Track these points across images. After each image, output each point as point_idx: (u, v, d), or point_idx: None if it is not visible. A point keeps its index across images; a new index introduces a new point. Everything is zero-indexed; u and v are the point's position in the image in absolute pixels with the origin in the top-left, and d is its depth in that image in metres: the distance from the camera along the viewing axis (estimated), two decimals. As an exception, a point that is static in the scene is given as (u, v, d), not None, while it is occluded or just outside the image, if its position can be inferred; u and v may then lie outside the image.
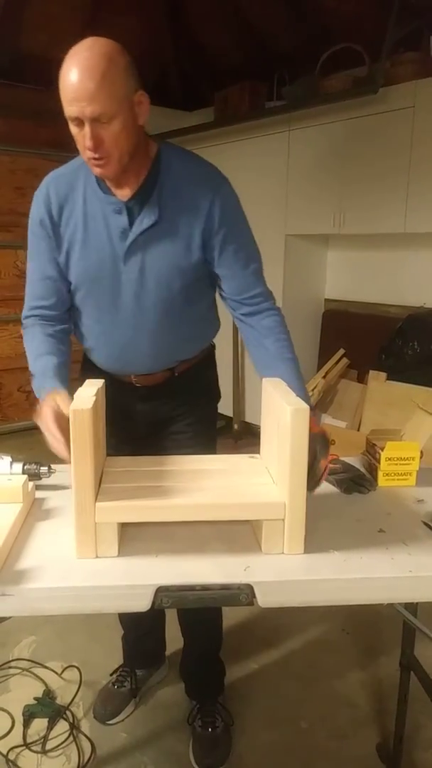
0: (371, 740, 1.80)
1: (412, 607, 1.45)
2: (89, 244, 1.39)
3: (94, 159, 1.25)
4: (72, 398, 1.26)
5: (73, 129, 1.24)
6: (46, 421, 1.22)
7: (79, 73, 1.17)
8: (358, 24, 3.45)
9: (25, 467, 1.29)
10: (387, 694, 1.94)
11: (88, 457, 1.00)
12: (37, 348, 1.49)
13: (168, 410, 1.56)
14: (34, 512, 1.21)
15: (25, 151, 4.23)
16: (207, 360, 1.63)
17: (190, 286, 1.42)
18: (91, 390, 1.12)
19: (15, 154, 4.22)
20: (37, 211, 1.44)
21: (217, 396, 1.70)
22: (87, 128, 1.21)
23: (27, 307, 1.56)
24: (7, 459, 1.28)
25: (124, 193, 1.35)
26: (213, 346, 1.65)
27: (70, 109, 1.20)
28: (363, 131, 3.45)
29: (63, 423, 1.17)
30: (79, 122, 1.21)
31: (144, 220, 1.34)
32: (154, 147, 1.37)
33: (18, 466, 1.28)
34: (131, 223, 1.35)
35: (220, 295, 1.50)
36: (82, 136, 1.23)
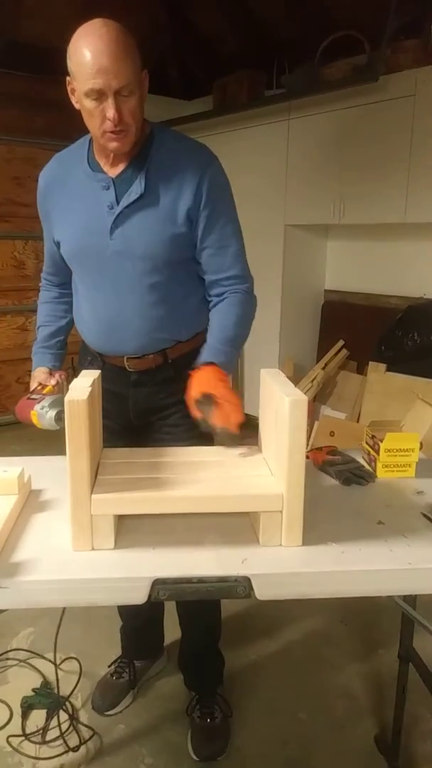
0: (369, 732, 1.80)
1: (411, 599, 1.44)
2: (78, 220, 1.44)
3: (114, 132, 1.30)
4: (53, 362, 1.61)
5: (90, 104, 1.28)
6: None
7: (104, 47, 1.22)
8: (358, 11, 3.42)
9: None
10: (385, 685, 1.94)
11: (83, 448, 0.99)
12: (40, 316, 1.69)
13: (161, 398, 1.55)
14: (30, 504, 1.20)
15: (22, 140, 4.19)
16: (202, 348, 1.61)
17: (176, 262, 1.44)
18: (86, 381, 1.11)
19: (11, 143, 4.18)
20: (39, 187, 1.54)
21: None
22: (111, 100, 1.26)
23: (42, 274, 1.72)
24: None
25: (115, 170, 1.41)
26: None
27: (94, 82, 1.24)
28: (363, 120, 3.43)
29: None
30: (100, 96, 1.26)
31: (131, 194, 1.38)
32: (148, 126, 1.42)
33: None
34: (118, 198, 1.40)
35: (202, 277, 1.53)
36: (100, 110, 1.28)
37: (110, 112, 1.26)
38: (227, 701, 1.83)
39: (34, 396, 1.44)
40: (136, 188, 1.38)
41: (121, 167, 1.41)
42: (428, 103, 3.12)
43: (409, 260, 3.73)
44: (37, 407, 1.39)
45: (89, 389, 1.04)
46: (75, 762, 1.68)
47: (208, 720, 1.75)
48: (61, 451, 1.16)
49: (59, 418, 1.37)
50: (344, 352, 3.88)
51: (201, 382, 1.31)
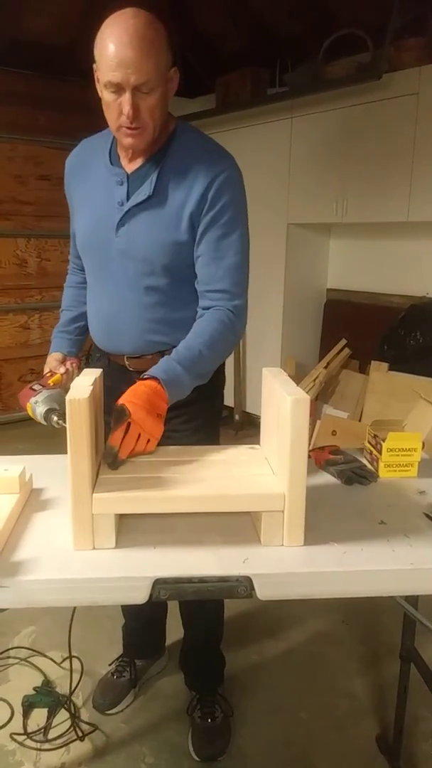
0: (371, 732, 1.79)
1: (413, 600, 1.43)
2: (92, 213, 1.45)
3: (128, 128, 1.27)
4: (70, 347, 1.61)
5: (108, 96, 1.26)
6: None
7: (127, 40, 1.19)
8: (362, 9, 3.41)
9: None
10: (387, 685, 1.94)
11: (85, 447, 0.99)
12: (65, 299, 1.70)
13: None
14: (31, 503, 1.20)
15: (24, 138, 4.19)
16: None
17: (175, 267, 1.39)
18: (88, 379, 1.10)
19: (14, 141, 4.18)
20: (65, 170, 1.54)
21: (218, 391, 1.63)
22: (127, 96, 1.23)
23: (69, 257, 1.71)
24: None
25: (132, 166, 1.39)
26: None
27: (112, 75, 1.21)
28: (366, 118, 3.41)
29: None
30: (118, 89, 1.23)
31: (140, 193, 1.37)
32: (173, 123, 1.40)
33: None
34: (129, 195, 1.39)
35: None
36: (117, 104, 1.25)
37: (125, 108, 1.24)
38: (228, 701, 1.83)
39: (35, 387, 1.42)
40: (146, 188, 1.36)
41: (137, 163, 1.39)
42: (431, 102, 3.11)
43: (412, 259, 3.72)
44: (32, 400, 1.38)
45: (90, 388, 1.04)
46: (76, 760, 1.68)
47: (209, 720, 1.75)
48: (62, 449, 1.15)
49: (47, 417, 1.35)
50: (346, 351, 3.87)
51: (134, 393, 1.18)
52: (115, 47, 1.19)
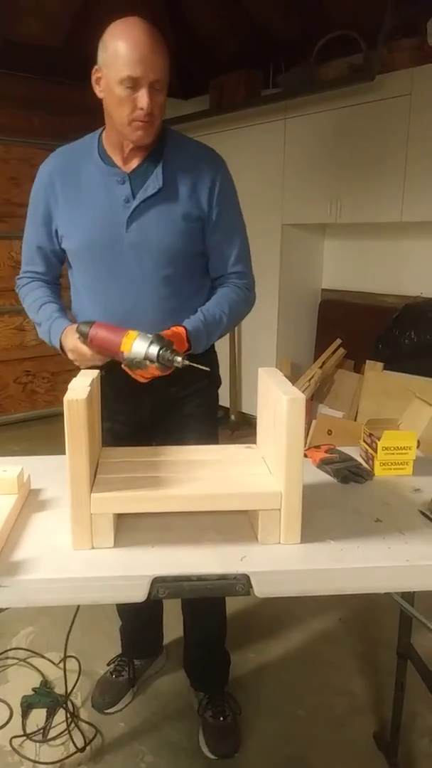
0: (368, 728, 1.80)
1: (409, 596, 1.45)
2: (90, 213, 1.46)
3: (142, 121, 1.35)
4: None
5: (123, 92, 1.32)
6: (79, 348, 1.39)
7: (146, 39, 1.30)
8: (355, 11, 3.42)
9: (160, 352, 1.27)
10: (384, 682, 1.95)
11: (83, 447, 1.00)
12: (39, 298, 1.58)
13: (174, 391, 1.56)
14: (29, 503, 1.21)
15: (19, 140, 4.18)
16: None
17: (190, 255, 1.49)
18: (85, 380, 1.11)
19: (8, 143, 4.18)
20: (40, 178, 1.54)
21: (218, 381, 1.71)
22: (145, 90, 1.31)
23: (22, 270, 1.65)
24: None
25: (130, 166, 1.45)
26: None
27: (133, 70, 1.29)
28: (359, 119, 3.43)
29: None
30: (135, 85, 1.31)
31: (148, 188, 1.43)
32: (161, 125, 1.47)
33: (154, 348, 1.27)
34: (133, 192, 1.43)
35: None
36: (132, 99, 1.33)
37: (143, 101, 1.32)
38: (235, 698, 1.83)
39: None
40: (154, 183, 1.43)
41: (135, 162, 1.45)
42: (424, 102, 3.13)
43: (406, 259, 3.74)
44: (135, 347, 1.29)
45: (88, 389, 1.05)
46: (75, 761, 1.68)
47: (221, 718, 1.76)
48: (59, 450, 1.17)
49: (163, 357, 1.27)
50: (341, 350, 3.89)
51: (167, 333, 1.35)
52: (135, 45, 1.29)
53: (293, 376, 3.82)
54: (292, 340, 4.13)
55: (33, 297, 1.59)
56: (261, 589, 0.98)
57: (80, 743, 1.72)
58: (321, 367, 3.78)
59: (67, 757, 1.68)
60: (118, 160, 1.46)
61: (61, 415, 1.00)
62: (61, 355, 1.54)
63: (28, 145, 4.18)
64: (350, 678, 2.01)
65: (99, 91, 1.39)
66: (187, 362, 1.26)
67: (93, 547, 1.03)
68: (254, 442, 1.29)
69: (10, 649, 2.08)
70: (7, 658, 2.05)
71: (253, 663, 2.06)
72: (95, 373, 1.20)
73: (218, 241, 1.51)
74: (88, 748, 1.72)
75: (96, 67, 1.37)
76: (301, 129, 3.74)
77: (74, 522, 1.02)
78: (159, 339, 1.27)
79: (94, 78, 1.39)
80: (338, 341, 3.90)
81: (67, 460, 1.00)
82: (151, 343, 1.26)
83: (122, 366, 1.33)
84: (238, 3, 3.85)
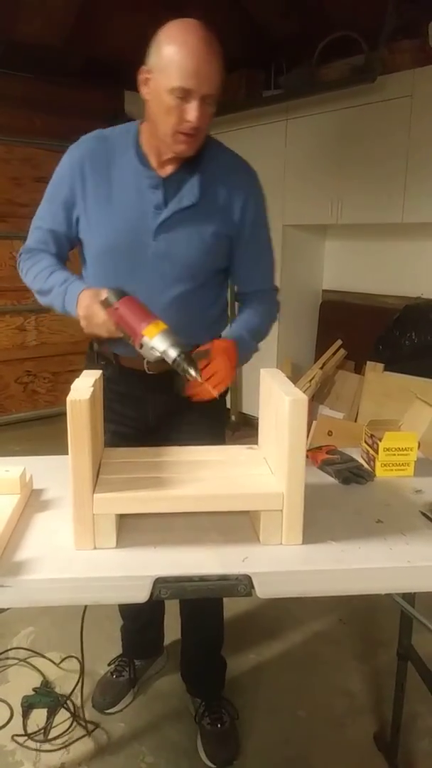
0: (368, 729, 1.81)
1: (410, 597, 1.45)
2: (117, 214, 1.40)
3: (187, 134, 1.29)
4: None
5: (173, 101, 1.26)
6: (94, 311, 1.30)
7: (204, 50, 1.24)
8: (356, 12, 3.43)
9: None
10: (384, 683, 1.95)
11: (85, 448, 1.00)
12: (50, 266, 1.47)
13: (181, 399, 1.48)
14: (32, 503, 1.21)
15: (21, 140, 4.19)
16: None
17: (210, 270, 1.47)
18: (88, 381, 1.11)
19: (10, 143, 4.18)
20: (70, 160, 1.45)
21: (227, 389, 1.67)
22: (196, 103, 1.26)
23: (28, 247, 1.55)
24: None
25: (165, 171, 1.40)
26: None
27: (187, 82, 1.23)
28: (361, 120, 3.44)
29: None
30: (186, 96, 1.25)
31: (183, 199, 1.39)
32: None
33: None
34: (166, 200, 1.39)
35: (231, 286, 1.58)
36: (181, 110, 1.27)
37: (193, 114, 1.26)
38: (232, 704, 1.83)
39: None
40: (189, 195, 1.38)
41: (170, 168, 1.39)
42: (425, 104, 3.13)
43: (407, 260, 3.74)
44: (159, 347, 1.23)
45: (91, 389, 1.05)
46: (76, 761, 1.68)
47: (219, 725, 1.75)
48: (60, 450, 1.17)
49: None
50: (342, 351, 3.89)
51: (218, 344, 1.36)
52: (192, 55, 1.23)
53: (294, 377, 3.82)
54: (293, 340, 4.13)
55: (42, 265, 1.47)
56: (263, 590, 0.98)
57: (81, 743, 1.72)
58: (322, 368, 3.78)
59: (67, 757, 1.69)
60: (153, 161, 1.40)
61: (62, 415, 1.00)
62: (66, 337, 1.51)
63: (29, 146, 4.19)
64: (350, 679, 2.01)
65: (145, 92, 1.32)
66: (200, 380, 1.23)
67: (95, 548, 1.03)
68: (255, 442, 1.29)
69: (11, 649, 2.08)
70: (8, 658, 2.05)
71: (252, 663, 2.06)
72: (98, 373, 1.20)
73: (248, 258, 1.50)
74: (88, 748, 1.72)
75: (145, 67, 1.30)
76: (302, 130, 3.74)
77: (76, 522, 1.02)
78: (182, 345, 1.23)
79: (141, 77, 1.31)
80: (339, 342, 3.90)
81: (70, 461, 1.00)
82: (174, 345, 1.22)
83: (136, 349, 1.26)
84: (239, 3, 3.85)
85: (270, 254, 1.55)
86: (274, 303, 1.57)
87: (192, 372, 1.21)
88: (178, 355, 1.21)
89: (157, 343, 1.22)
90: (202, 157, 1.40)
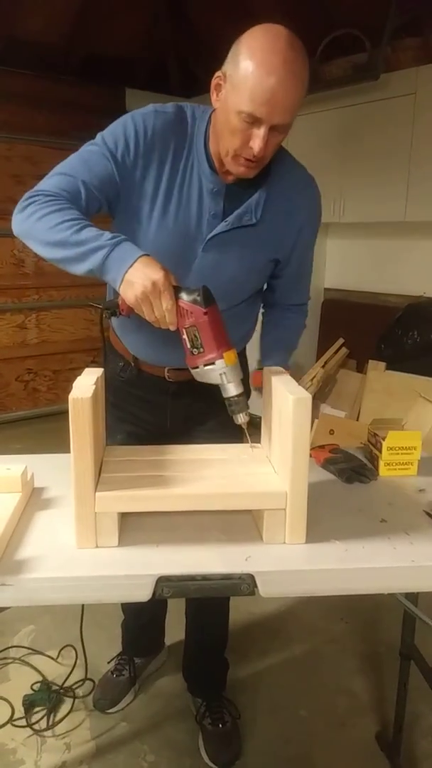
0: (371, 729, 1.80)
1: (413, 596, 1.44)
2: (171, 213, 1.28)
3: (249, 160, 1.19)
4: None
5: (239, 124, 1.14)
6: (167, 287, 1.09)
7: (286, 79, 1.10)
8: (359, 9, 3.42)
9: None
10: (386, 683, 1.95)
11: (88, 446, 0.99)
12: (80, 218, 1.18)
13: (200, 407, 1.48)
14: (33, 502, 1.20)
15: (22, 138, 4.18)
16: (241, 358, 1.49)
17: (251, 290, 1.43)
18: (90, 379, 1.11)
19: (11, 141, 4.16)
20: (123, 130, 1.24)
21: (248, 393, 1.63)
22: (263, 131, 1.14)
23: (43, 189, 1.26)
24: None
25: (228, 177, 1.28)
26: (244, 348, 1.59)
27: (257, 109, 1.11)
28: (363, 118, 3.43)
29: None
30: (255, 122, 1.13)
31: (243, 217, 1.29)
32: None
33: None
34: (226, 212, 1.29)
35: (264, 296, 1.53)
36: (246, 135, 1.15)
37: (258, 144, 1.14)
38: (233, 703, 1.83)
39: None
40: (250, 214, 1.29)
41: (233, 176, 1.27)
42: (429, 102, 3.13)
43: (409, 259, 3.73)
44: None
45: (93, 387, 1.04)
46: (77, 759, 1.68)
47: (220, 725, 1.74)
48: (61, 449, 1.16)
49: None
50: (344, 350, 3.88)
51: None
52: (271, 81, 1.09)
53: (296, 376, 3.79)
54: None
55: (71, 214, 1.18)
56: (266, 589, 0.97)
57: (82, 742, 1.72)
58: (323, 367, 3.77)
59: (68, 756, 1.68)
60: (216, 162, 1.27)
61: (63, 413, 0.99)
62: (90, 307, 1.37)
63: (31, 143, 4.17)
64: (352, 678, 2.01)
65: (214, 99, 1.20)
66: (244, 426, 1.19)
67: (97, 546, 1.03)
68: (257, 441, 1.28)
69: (12, 647, 2.08)
70: (8, 656, 2.05)
71: (254, 663, 2.06)
72: (100, 371, 1.19)
73: (290, 276, 1.45)
74: (89, 747, 1.72)
75: (220, 73, 1.17)
76: (304, 128, 3.70)
77: (78, 521, 1.02)
78: (244, 383, 1.18)
79: (214, 83, 1.19)
80: (341, 341, 3.89)
81: (72, 459, 0.99)
82: (239, 382, 1.16)
83: (188, 357, 1.17)
84: (241, 1, 3.84)
85: (310, 272, 1.50)
86: (304, 315, 1.56)
87: (241, 416, 1.17)
88: (238, 395, 1.16)
89: (230, 371, 1.15)
90: (268, 171, 1.29)
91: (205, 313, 1.11)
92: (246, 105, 1.11)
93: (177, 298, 1.12)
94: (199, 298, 1.11)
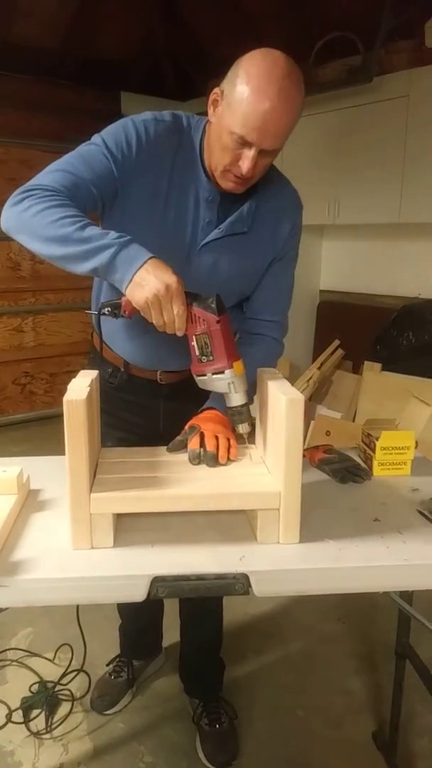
0: (367, 728, 1.81)
1: (407, 596, 1.45)
2: (166, 219, 1.28)
3: (237, 177, 1.21)
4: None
5: (231, 143, 1.16)
6: (180, 292, 1.09)
7: (281, 109, 1.12)
8: (353, 12, 3.43)
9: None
10: (383, 682, 1.96)
11: (82, 447, 1.00)
12: (81, 216, 1.16)
13: (192, 409, 1.45)
14: (29, 503, 1.21)
15: (17, 141, 4.18)
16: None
17: (244, 294, 1.44)
18: (84, 381, 1.11)
19: (7, 144, 4.17)
20: (124, 133, 1.24)
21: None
22: (253, 154, 1.16)
23: (41, 184, 1.20)
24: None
25: (221, 187, 1.28)
26: None
27: (248, 134, 1.13)
28: (357, 121, 3.44)
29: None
30: (246, 144, 1.16)
31: (235, 225, 1.32)
32: None
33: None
34: (219, 219, 1.31)
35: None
36: (237, 155, 1.18)
37: (246, 165, 1.17)
38: (230, 704, 1.83)
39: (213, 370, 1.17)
40: (241, 223, 1.32)
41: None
42: (422, 104, 3.14)
43: (404, 260, 3.75)
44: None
45: (88, 389, 1.05)
46: (74, 761, 1.68)
47: (217, 726, 1.75)
48: (58, 451, 1.17)
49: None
50: (340, 351, 3.89)
51: (200, 417, 1.29)
52: (264, 109, 1.11)
53: (292, 377, 3.82)
54: (291, 341, 4.05)
55: (72, 211, 1.16)
56: (260, 589, 0.98)
57: (79, 743, 1.72)
58: (319, 368, 3.78)
59: (66, 758, 1.69)
60: (210, 171, 1.29)
61: (60, 416, 1.00)
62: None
63: (26, 147, 4.18)
64: (349, 678, 2.01)
65: (210, 114, 1.22)
66: (245, 435, 1.20)
67: (92, 547, 1.03)
68: (253, 442, 1.29)
69: (9, 649, 2.08)
70: (6, 658, 2.05)
71: (251, 663, 2.07)
72: (94, 373, 1.20)
73: (270, 286, 1.44)
74: (87, 748, 1.72)
75: (218, 90, 1.19)
76: (298, 130, 3.72)
77: (74, 522, 1.02)
78: (249, 395, 1.19)
79: (211, 98, 1.21)
80: (336, 342, 3.91)
81: (67, 460, 1.00)
82: (246, 393, 1.18)
83: (194, 365, 1.18)
84: (235, 4, 3.86)
85: (290, 289, 1.48)
86: (277, 348, 1.49)
87: (243, 427, 1.19)
88: (242, 405, 1.18)
89: (238, 381, 1.16)
90: (259, 183, 1.31)
91: (218, 322, 1.12)
92: (238, 127, 1.13)
93: (188, 304, 1.12)
94: (213, 306, 1.12)
